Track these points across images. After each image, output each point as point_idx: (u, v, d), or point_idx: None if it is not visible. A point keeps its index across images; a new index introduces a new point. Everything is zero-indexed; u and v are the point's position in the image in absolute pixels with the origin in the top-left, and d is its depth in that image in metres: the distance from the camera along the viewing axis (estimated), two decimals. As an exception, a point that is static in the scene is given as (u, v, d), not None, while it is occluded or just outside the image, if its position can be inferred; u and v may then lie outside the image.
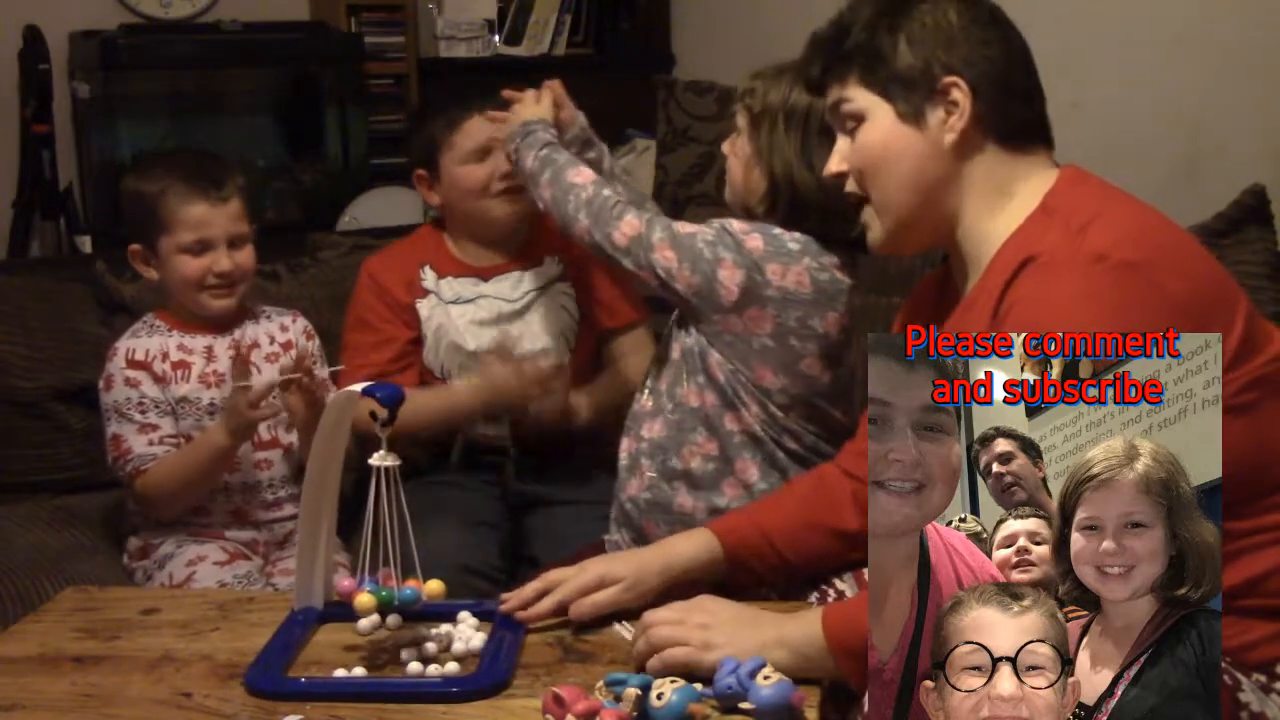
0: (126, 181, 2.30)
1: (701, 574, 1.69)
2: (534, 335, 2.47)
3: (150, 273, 2.27)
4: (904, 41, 1.55)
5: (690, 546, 1.70)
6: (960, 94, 1.53)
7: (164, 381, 2.22)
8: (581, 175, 2.04)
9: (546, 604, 1.62)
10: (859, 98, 1.58)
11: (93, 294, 2.70)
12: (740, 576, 1.71)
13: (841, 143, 1.62)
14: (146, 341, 2.25)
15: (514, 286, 2.50)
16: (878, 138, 1.57)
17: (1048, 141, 1.59)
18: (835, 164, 1.63)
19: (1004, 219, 1.54)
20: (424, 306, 2.50)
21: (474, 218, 2.50)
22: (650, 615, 1.53)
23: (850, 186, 1.62)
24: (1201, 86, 2.66)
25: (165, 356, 2.23)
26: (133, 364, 2.22)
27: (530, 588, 1.64)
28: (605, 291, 2.49)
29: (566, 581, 1.63)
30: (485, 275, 2.51)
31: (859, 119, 1.58)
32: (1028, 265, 1.43)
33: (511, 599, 1.64)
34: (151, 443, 2.19)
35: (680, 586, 1.65)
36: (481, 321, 2.48)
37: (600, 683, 1.41)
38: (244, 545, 2.24)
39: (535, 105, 2.19)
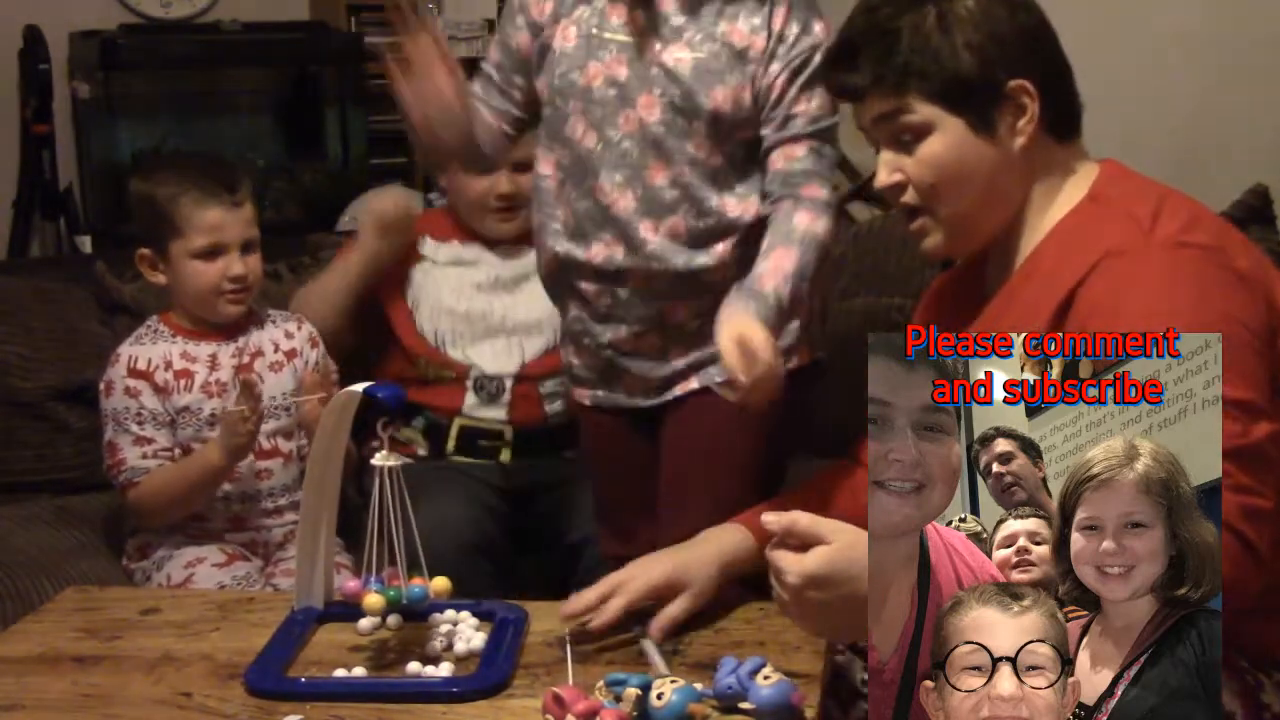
0: (136, 184, 2.29)
1: (745, 566, 1.65)
2: (528, 307, 2.49)
3: (158, 277, 2.26)
4: (963, 46, 1.50)
5: (732, 538, 1.66)
6: (1028, 97, 1.50)
7: (165, 392, 2.21)
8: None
9: (616, 606, 1.56)
10: (922, 110, 1.51)
11: (93, 294, 2.70)
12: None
13: (889, 154, 1.55)
14: (150, 349, 2.24)
15: (512, 252, 2.53)
16: (951, 153, 1.51)
17: (1081, 130, 1.57)
18: (889, 176, 1.56)
19: (1051, 211, 1.52)
20: (417, 272, 2.54)
21: (474, 222, 2.55)
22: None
23: (909, 198, 1.55)
24: (1203, 86, 2.67)
25: (168, 365, 2.22)
26: (134, 373, 2.21)
27: (593, 592, 1.58)
28: None
29: (632, 582, 1.58)
30: (488, 245, 2.56)
31: (923, 132, 1.52)
32: (1103, 262, 1.41)
33: (573, 603, 1.58)
34: (145, 456, 2.18)
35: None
36: (478, 285, 2.52)
37: (600, 682, 1.41)
38: (243, 547, 2.24)
39: None
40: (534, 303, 2.45)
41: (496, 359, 2.49)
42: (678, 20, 1.85)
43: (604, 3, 1.88)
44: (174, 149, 3.98)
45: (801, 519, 1.33)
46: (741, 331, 1.62)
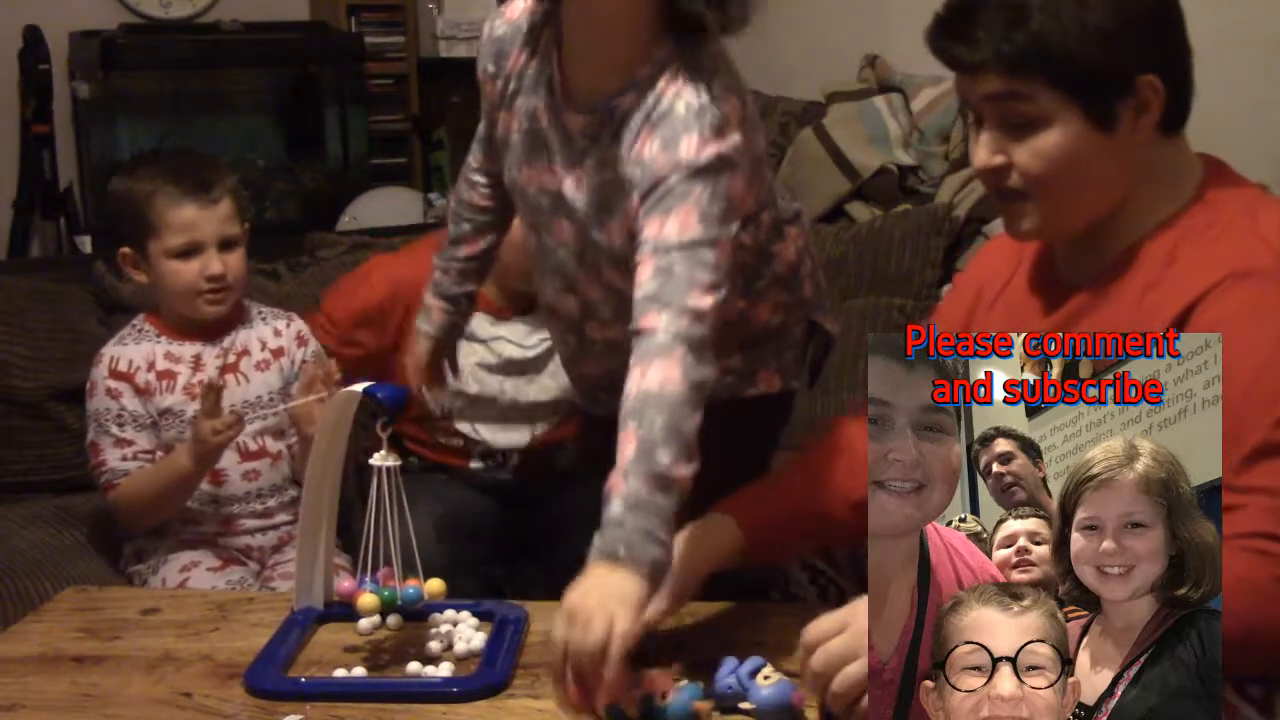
0: (115, 183, 2.26)
1: (732, 562, 1.59)
2: (542, 388, 2.43)
3: (140, 276, 2.23)
4: (1095, 31, 1.37)
5: (718, 539, 1.58)
6: (1152, 93, 1.39)
7: (147, 393, 2.19)
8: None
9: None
10: (1043, 98, 1.38)
11: (93, 294, 2.70)
12: (765, 557, 1.64)
13: (994, 134, 1.44)
14: (133, 350, 2.22)
15: (529, 333, 2.42)
16: (1066, 148, 1.40)
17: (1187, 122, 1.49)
18: (991, 158, 1.44)
19: (1154, 206, 1.45)
20: None
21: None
22: (811, 633, 1.35)
23: (1013, 182, 1.44)
24: (1203, 86, 2.66)
25: (151, 366, 2.20)
26: (115, 374, 2.19)
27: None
28: None
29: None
30: (502, 315, 2.44)
31: (1039, 122, 1.40)
32: (1227, 281, 1.35)
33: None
34: (125, 458, 2.17)
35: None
36: (489, 367, 2.43)
37: None
38: (238, 551, 2.23)
39: None
40: (548, 383, 2.41)
41: (506, 436, 2.44)
42: (582, 142, 1.68)
43: (533, 103, 1.72)
44: (174, 149, 3.98)
45: (833, 646, 1.30)
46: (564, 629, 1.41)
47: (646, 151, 1.61)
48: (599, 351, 1.84)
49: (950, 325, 1.60)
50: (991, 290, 1.60)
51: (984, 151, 1.45)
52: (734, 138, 1.60)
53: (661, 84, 1.61)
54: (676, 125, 1.59)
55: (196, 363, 2.22)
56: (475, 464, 2.45)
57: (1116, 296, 1.43)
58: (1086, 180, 1.43)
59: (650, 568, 1.43)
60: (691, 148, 1.58)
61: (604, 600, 1.38)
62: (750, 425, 1.84)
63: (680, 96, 1.60)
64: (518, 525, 2.44)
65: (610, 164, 1.65)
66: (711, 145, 1.58)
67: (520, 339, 2.43)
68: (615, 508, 1.45)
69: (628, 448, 1.49)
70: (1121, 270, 1.44)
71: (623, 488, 1.46)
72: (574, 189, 1.69)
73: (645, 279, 1.57)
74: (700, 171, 1.57)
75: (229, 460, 2.20)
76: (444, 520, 2.27)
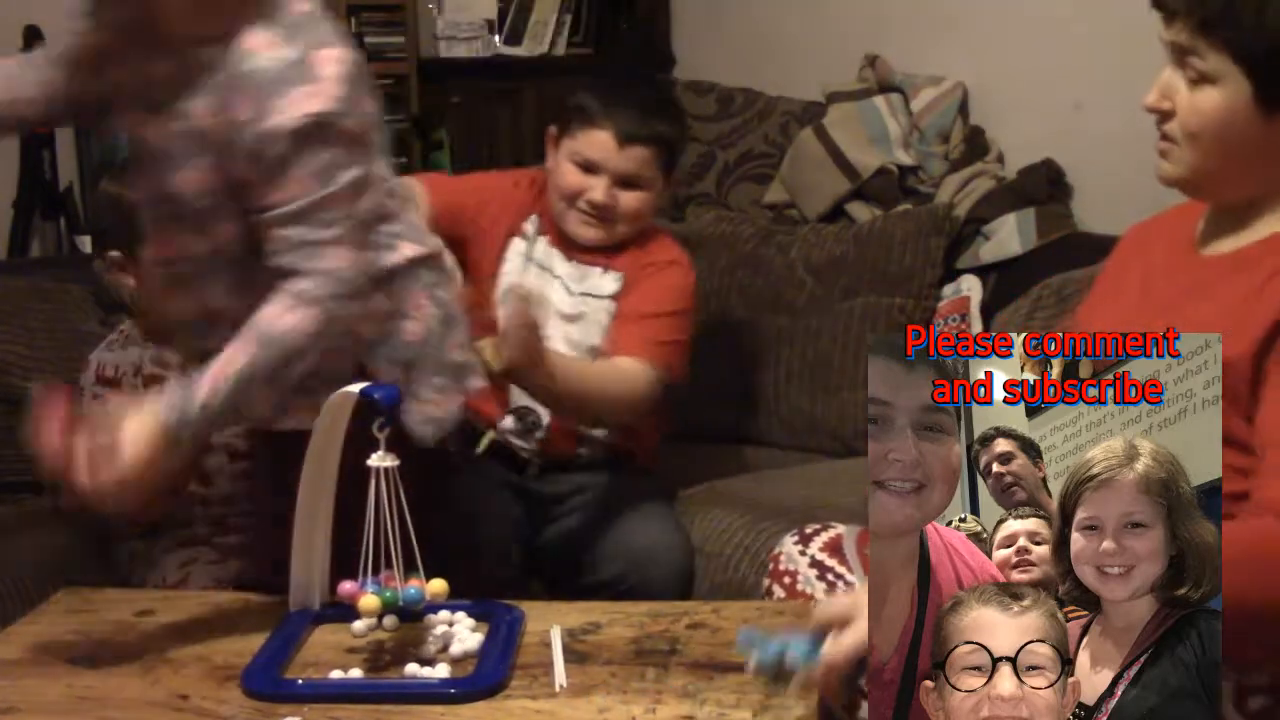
0: (106, 185, 2.24)
1: None
2: (573, 342, 2.41)
3: (129, 281, 2.22)
4: None
5: None
6: None
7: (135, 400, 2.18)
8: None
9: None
10: (1213, 60, 1.42)
11: (93, 294, 2.69)
12: None
13: (1171, 77, 1.48)
14: (119, 355, 2.21)
15: (579, 281, 2.42)
16: (1224, 113, 1.43)
17: None
18: (1158, 100, 1.49)
19: None
20: (513, 250, 2.45)
21: (553, 209, 2.45)
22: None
23: (1171, 127, 1.48)
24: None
25: (138, 371, 2.20)
26: (102, 380, 2.19)
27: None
28: (632, 326, 2.37)
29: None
30: (568, 255, 2.44)
31: (1206, 80, 1.44)
32: None
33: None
34: None
35: None
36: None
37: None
38: (234, 548, 2.22)
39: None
40: (577, 338, 2.40)
41: None
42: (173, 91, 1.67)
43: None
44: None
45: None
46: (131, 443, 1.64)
47: (240, 113, 1.60)
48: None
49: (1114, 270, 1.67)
50: (1145, 248, 1.63)
51: (1155, 92, 1.49)
52: (330, 93, 1.61)
53: (248, 38, 1.61)
54: (264, 87, 1.60)
55: (184, 368, 2.21)
56: (507, 422, 2.41)
57: (1244, 277, 1.44)
58: (1236, 149, 1.45)
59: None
60: (287, 115, 1.59)
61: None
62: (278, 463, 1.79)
63: (266, 52, 1.61)
64: (534, 525, 2.43)
65: (187, 113, 1.65)
66: (306, 104, 1.59)
67: (571, 285, 2.43)
68: (200, 402, 1.58)
69: (242, 356, 1.59)
70: (1255, 256, 1.46)
71: (214, 389, 1.58)
72: (154, 141, 1.70)
73: (278, 247, 1.62)
74: (299, 135, 1.59)
75: (218, 462, 2.18)
76: (494, 508, 2.27)
